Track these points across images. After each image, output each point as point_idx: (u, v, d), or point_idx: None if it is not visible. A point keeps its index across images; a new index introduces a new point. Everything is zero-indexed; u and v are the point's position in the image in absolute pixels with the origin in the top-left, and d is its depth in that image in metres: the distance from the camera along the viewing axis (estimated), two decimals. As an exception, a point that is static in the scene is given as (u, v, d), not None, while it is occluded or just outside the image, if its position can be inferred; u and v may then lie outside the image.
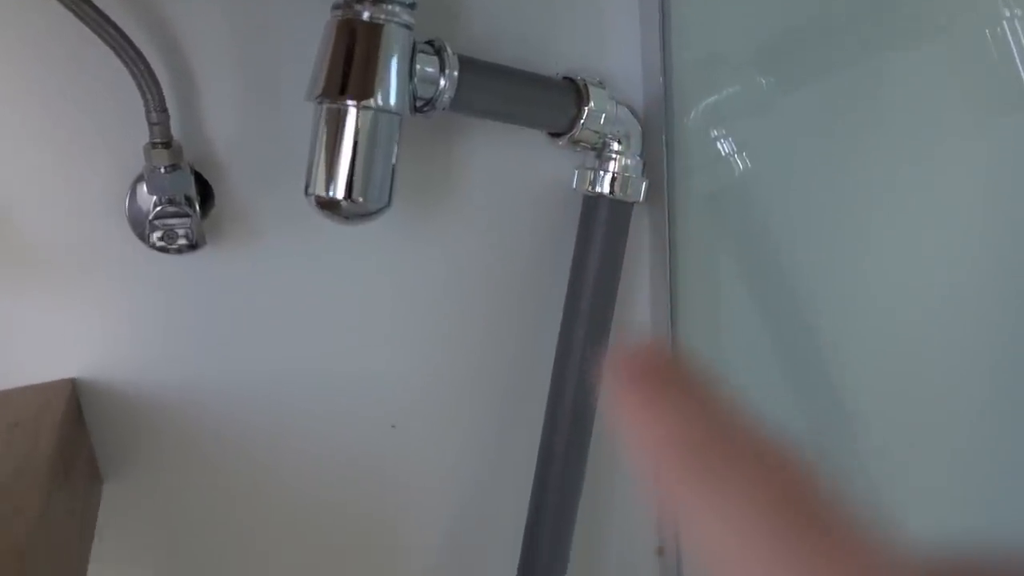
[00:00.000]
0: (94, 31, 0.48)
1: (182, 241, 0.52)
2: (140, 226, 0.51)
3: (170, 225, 0.50)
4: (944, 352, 0.82)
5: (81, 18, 0.47)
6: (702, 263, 0.70)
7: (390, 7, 0.49)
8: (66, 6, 0.46)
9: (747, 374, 0.76)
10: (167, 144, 0.50)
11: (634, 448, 0.17)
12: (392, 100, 0.50)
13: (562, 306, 0.65)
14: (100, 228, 0.57)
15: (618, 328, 0.70)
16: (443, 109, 0.53)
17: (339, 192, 0.50)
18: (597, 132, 0.60)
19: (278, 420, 0.67)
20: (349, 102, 0.49)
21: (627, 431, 0.18)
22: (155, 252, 0.54)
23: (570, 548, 0.70)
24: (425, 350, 0.68)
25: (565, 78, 0.61)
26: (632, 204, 0.61)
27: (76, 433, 0.59)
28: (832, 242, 0.74)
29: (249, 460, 0.68)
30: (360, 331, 0.66)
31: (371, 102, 0.49)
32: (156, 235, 0.51)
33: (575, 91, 0.60)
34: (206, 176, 0.58)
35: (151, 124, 0.50)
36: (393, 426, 0.70)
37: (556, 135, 0.61)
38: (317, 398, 0.67)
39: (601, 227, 0.58)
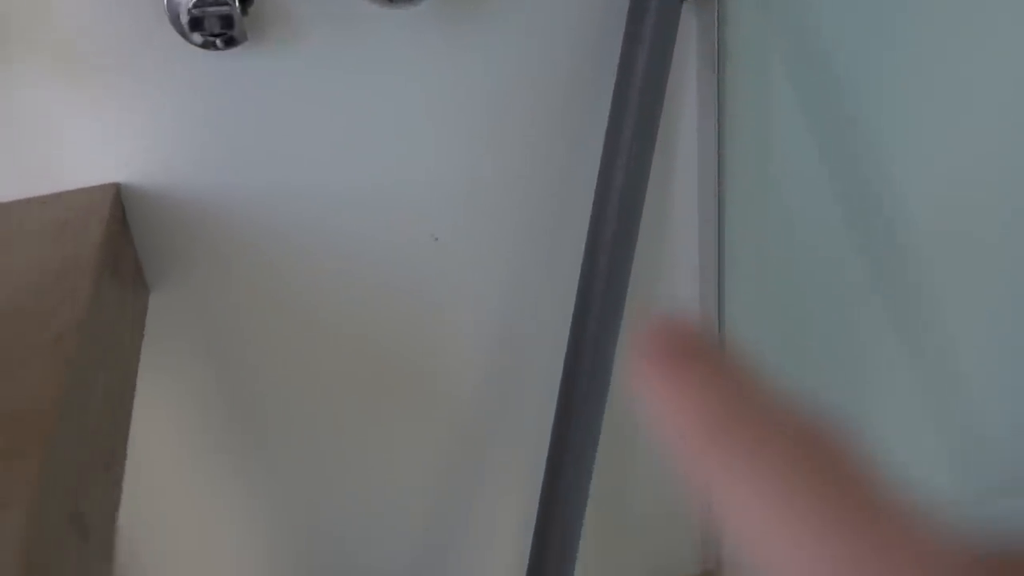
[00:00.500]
0: None
1: (221, 34, 0.51)
2: (178, 17, 0.50)
3: (209, 14, 0.49)
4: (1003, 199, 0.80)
5: None
6: (753, 71, 0.67)
7: None
8: None
9: (796, 195, 0.75)
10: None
11: (661, 426, 0.17)
12: None
13: (607, 112, 0.63)
14: (139, 21, 0.56)
15: (665, 138, 0.68)
16: None
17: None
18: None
19: (319, 230, 0.67)
20: None
21: (654, 408, 0.17)
22: (195, 49, 0.53)
23: (611, 375, 0.70)
24: (467, 159, 0.67)
25: None
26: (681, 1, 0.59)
27: (122, 235, 0.60)
28: (894, 60, 0.72)
29: (290, 273, 0.68)
30: (401, 139, 0.65)
31: None
32: (194, 25, 0.50)
33: None
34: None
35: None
36: (436, 238, 0.70)
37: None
38: (358, 209, 0.67)
39: (651, 19, 0.56)
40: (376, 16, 0.60)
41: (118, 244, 0.57)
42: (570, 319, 0.69)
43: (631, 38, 0.59)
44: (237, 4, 0.51)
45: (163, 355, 0.69)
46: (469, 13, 0.63)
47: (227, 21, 0.50)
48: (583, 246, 0.67)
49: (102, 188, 0.60)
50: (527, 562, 0.73)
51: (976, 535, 0.14)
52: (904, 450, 0.90)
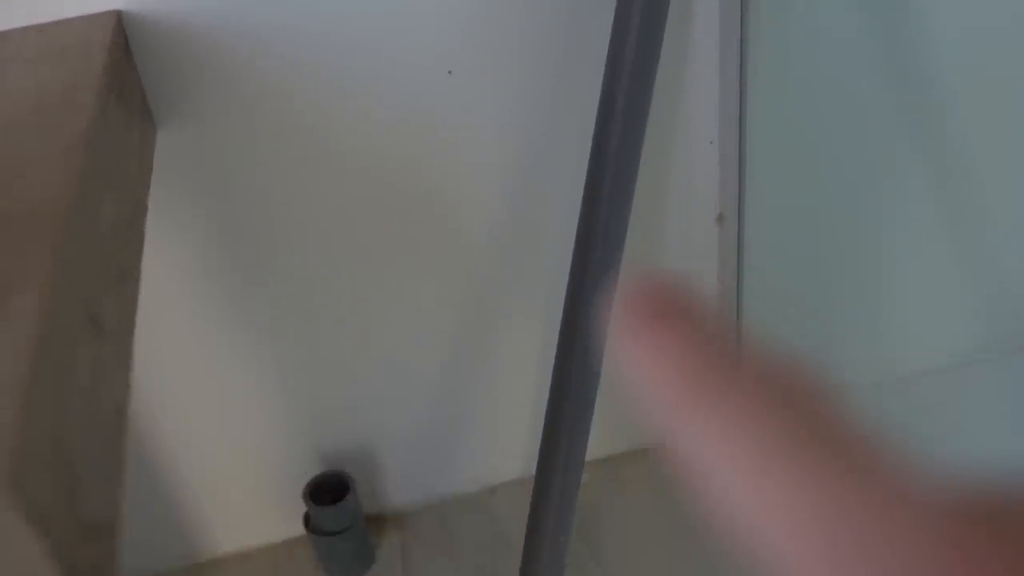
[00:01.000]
0: None
1: None
2: None
3: None
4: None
5: None
6: None
7: None
8: None
9: (821, 36, 0.72)
10: None
11: (640, 384, 0.17)
12: None
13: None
14: None
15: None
16: None
17: None
18: None
19: (330, 63, 0.65)
20: None
21: (633, 368, 0.17)
22: None
23: (628, 218, 0.68)
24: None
25: None
26: None
27: (125, 62, 0.57)
28: None
29: (300, 108, 0.66)
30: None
31: None
32: None
33: None
34: None
35: None
36: (450, 72, 0.67)
37: None
38: (372, 41, 0.65)
39: None
40: None
41: (122, 70, 0.55)
42: (587, 154, 0.67)
43: None
44: None
45: (171, 195, 0.67)
46: None
47: None
48: (600, 79, 0.65)
49: (103, 15, 0.58)
50: (545, 409, 0.73)
51: (956, 477, 0.14)
52: (931, 303, 0.90)
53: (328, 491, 0.82)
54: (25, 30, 0.57)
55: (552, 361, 0.71)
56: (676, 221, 0.81)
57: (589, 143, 0.66)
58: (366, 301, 0.77)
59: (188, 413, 0.79)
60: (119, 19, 0.58)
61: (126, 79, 0.56)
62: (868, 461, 0.14)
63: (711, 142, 0.76)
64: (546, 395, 0.72)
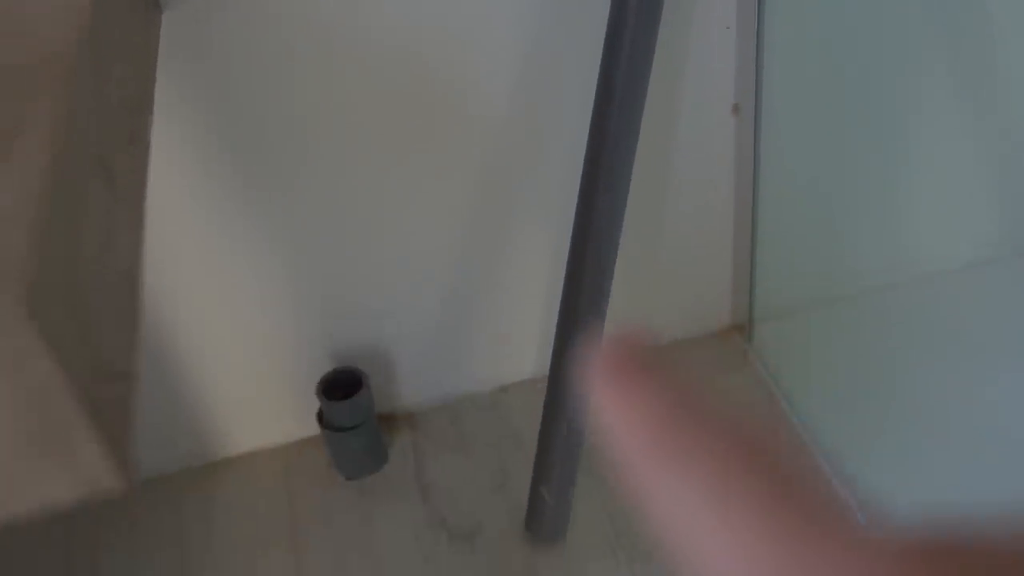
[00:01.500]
0: None
1: None
2: None
3: None
4: None
5: None
6: None
7: None
8: None
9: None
10: None
11: (612, 434, 0.18)
12: None
13: None
14: None
15: None
16: None
17: None
18: None
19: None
20: None
21: (606, 418, 0.18)
22: None
23: (643, 109, 0.66)
24: None
25: None
26: None
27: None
28: None
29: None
30: None
31: None
32: None
33: None
34: None
35: None
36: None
37: None
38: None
39: None
40: None
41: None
42: (601, 43, 0.65)
43: None
44: None
45: (176, 83, 0.66)
46: None
47: None
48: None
49: None
50: (559, 302, 0.72)
51: (905, 525, 0.15)
52: (950, 202, 0.88)
53: (341, 388, 0.82)
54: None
55: (564, 261, 0.70)
56: (691, 111, 0.79)
57: (603, 32, 0.64)
58: (379, 197, 0.76)
59: (199, 310, 0.78)
60: None
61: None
62: (828, 513, 0.15)
63: (727, 27, 0.74)
64: (558, 295, 0.71)
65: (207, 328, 0.80)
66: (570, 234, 0.70)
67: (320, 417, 0.83)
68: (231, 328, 0.81)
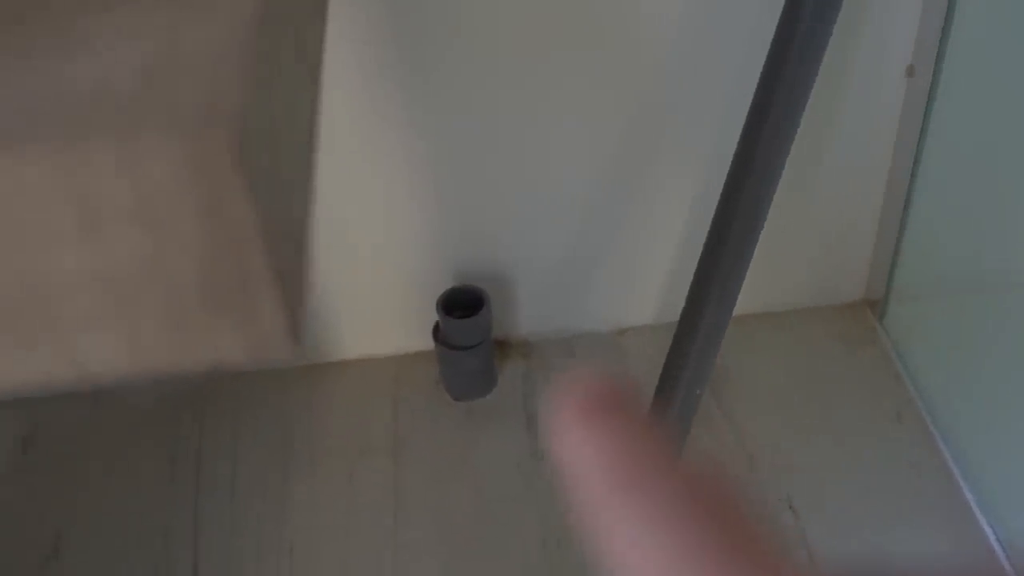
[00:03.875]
0: None
1: None
2: None
3: None
4: None
5: None
6: None
7: None
8: None
9: None
10: None
11: (572, 476, 0.18)
12: None
13: None
14: None
15: None
16: None
17: None
18: None
19: None
20: None
21: (567, 460, 0.18)
22: None
23: (819, 67, 0.63)
24: None
25: None
26: None
27: None
28: None
29: None
30: None
31: None
32: None
33: None
34: None
35: None
36: None
37: None
38: None
39: None
40: None
41: None
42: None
43: None
44: None
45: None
46: None
47: None
48: None
49: None
50: (686, 259, 0.69)
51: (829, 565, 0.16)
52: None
53: (460, 306, 0.81)
54: None
55: (707, 211, 0.67)
56: (861, 67, 0.75)
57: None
58: (527, 119, 0.74)
59: (332, 208, 0.78)
60: None
61: None
62: (769, 558, 0.16)
63: (918, -17, 0.70)
64: (692, 245, 0.69)
65: (337, 227, 0.80)
66: (715, 181, 0.67)
67: (436, 333, 0.82)
68: (362, 231, 0.80)
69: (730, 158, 0.65)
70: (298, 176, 0.31)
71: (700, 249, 0.68)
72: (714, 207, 0.67)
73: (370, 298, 0.85)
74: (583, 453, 0.18)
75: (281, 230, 0.28)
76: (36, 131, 0.23)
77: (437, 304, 0.80)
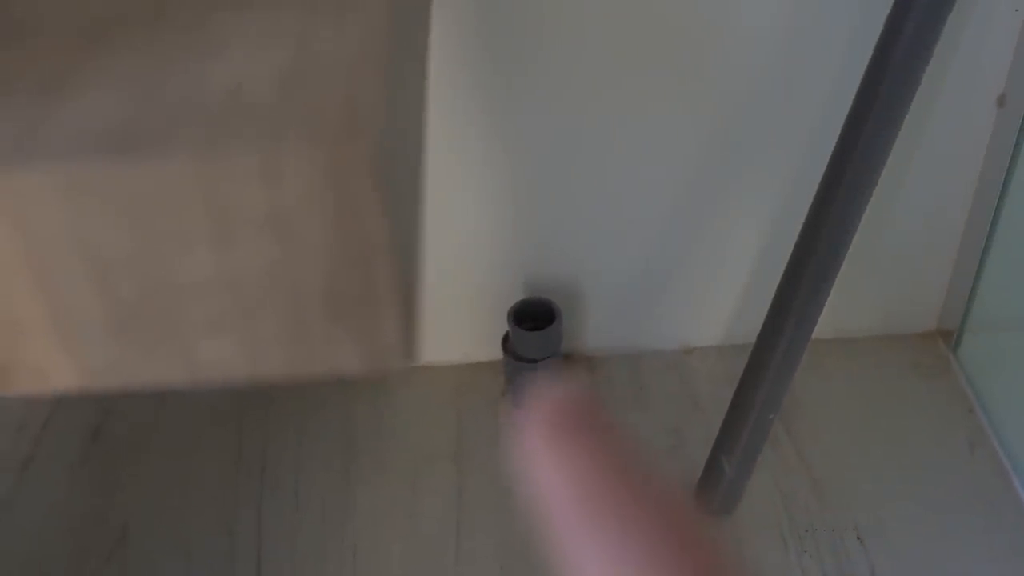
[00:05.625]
0: None
1: None
2: None
3: None
4: None
5: None
6: None
7: None
8: None
9: None
10: None
11: (536, 491, 0.18)
12: None
13: None
14: None
15: None
16: None
17: None
18: None
19: None
20: None
21: (532, 476, 0.18)
22: None
23: (914, 93, 0.61)
24: None
25: None
26: None
27: None
28: None
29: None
30: None
31: None
32: None
33: None
34: None
35: None
36: None
37: None
38: None
39: None
40: None
41: None
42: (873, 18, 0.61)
43: None
44: None
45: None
46: None
47: None
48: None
49: None
50: (760, 282, 0.68)
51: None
52: None
53: (529, 318, 0.80)
54: None
55: (782, 234, 0.66)
56: (950, 95, 0.74)
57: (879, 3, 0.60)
58: (607, 134, 0.74)
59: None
60: None
61: None
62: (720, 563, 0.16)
63: (1016, 9, 0.69)
64: (767, 267, 0.68)
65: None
66: (792, 205, 0.66)
67: (505, 344, 0.82)
68: (437, 239, 0.80)
69: (811, 182, 0.64)
70: (413, 184, 0.31)
71: (771, 273, 0.67)
72: (790, 230, 0.66)
73: (440, 305, 0.85)
74: (551, 475, 0.18)
75: (402, 242, 0.28)
76: (177, 135, 0.23)
77: (508, 315, 0.80)
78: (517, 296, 0.83)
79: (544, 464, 0.18)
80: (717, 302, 0.87)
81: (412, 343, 0.28)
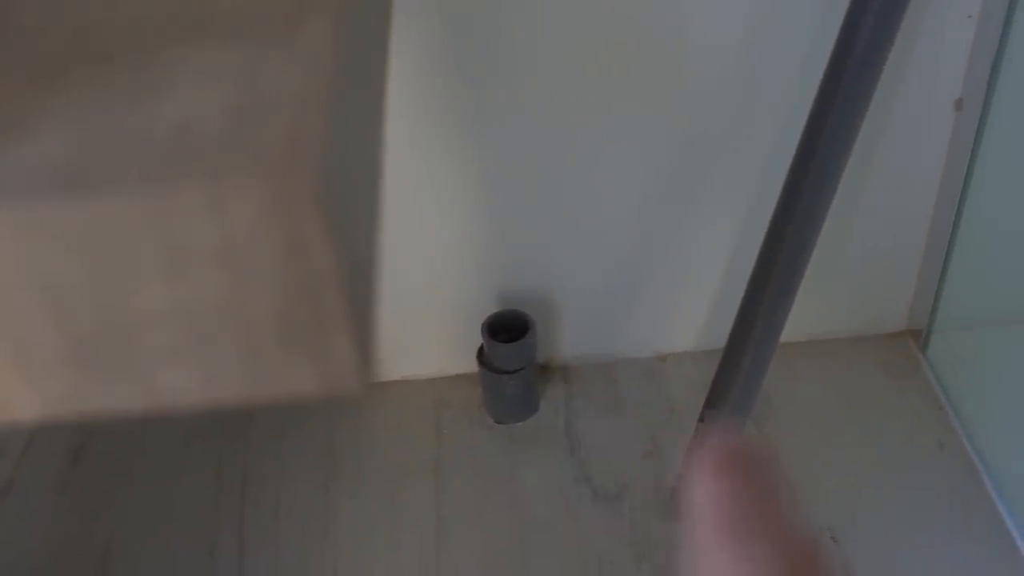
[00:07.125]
0: None
1: None
2: None
3: None
4: None
5: None
6: None
7: None
8: None
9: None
10: None
11: (691, 514, 0.20)
12: None
13: None
14: None
15: None
16: None
17: None
18: None
19: None
20: None
21: (692, 502, 0.20)
22: None
23: (871, 97, 0.63)
24: None
25: None
26: None
27: None
28: None
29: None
30: None
31: None
32: None
33: None
34: None
35: None
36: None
37: None
38: None
39: None
40: None
41: None
42: (831, 18, 0.62)
43: None
44: None
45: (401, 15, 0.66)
46: None
47: None
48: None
49: None
50: (728, 287, 0.69)
51: None
52: None
53: (504, 330, 0.81)
54: None
55: (749, 239, 0.68)
56: (907, 101, 0.75)
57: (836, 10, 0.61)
58: (573, 146, 0.75)
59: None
60: None
61: None
62: None
63: (969, 16, 0.70)
64: (733, 272, 0.69)
65: (384, 251, 0.81)
66: (759, 210, 0.67)
67: (480, 356, 0.83)
68: (409, 255, 0.81)
69: (777, 187, 0.65)
70: (367, 213, 0.32)
71: (741, 277, 0.68)
72: (757, 236, 0.67)
73: (414, 320, 0.86)
74: (709, 500, 0.20)
75: (354, 268, 0.29)
76: (127, 173, 0.24)
77: (482, 328, 0.81)
78: (491, 309, 0.84)
79: (707, 493, 0.20)
80: (689, 308, 0.89)
81: (367, 364, 0.29)
